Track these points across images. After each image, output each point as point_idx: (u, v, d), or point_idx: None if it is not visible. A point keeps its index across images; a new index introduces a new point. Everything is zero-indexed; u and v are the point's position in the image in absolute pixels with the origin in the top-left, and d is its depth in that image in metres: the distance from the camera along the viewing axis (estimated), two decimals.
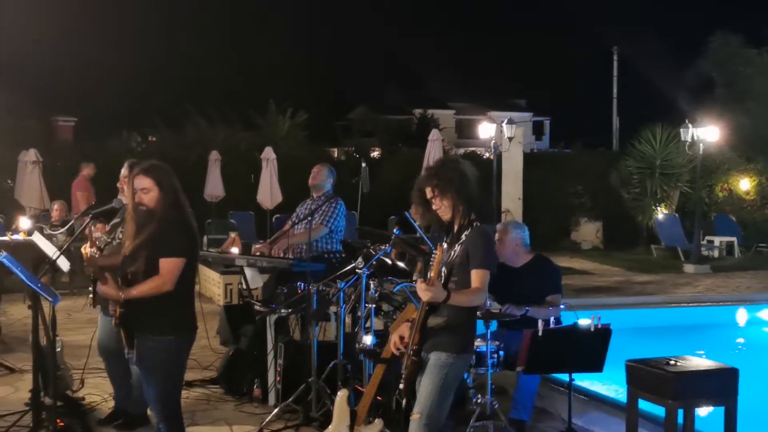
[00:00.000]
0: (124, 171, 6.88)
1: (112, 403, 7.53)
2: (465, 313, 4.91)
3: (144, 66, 56.29)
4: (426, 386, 4.92)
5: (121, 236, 6.50)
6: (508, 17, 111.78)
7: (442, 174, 5.05)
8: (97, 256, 5.93)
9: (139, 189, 5.37)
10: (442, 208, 5.03)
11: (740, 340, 12.78)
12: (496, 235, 7.27)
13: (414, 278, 7.19)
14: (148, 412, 6.82)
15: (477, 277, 4.83)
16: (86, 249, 5.93)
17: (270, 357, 7.79)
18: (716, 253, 21.80)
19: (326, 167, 8.86)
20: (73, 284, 14.21)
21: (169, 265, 5.27)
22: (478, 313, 5.44)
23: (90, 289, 6.13)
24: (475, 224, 4.95)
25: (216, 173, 21.15)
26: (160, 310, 5.31)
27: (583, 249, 23.88)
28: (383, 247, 6.99)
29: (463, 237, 4.94)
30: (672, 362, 5.59)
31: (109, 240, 6.61)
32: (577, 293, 14.37)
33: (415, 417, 4.92)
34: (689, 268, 18.91)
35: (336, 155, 35.74)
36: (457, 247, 4.95)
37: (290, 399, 7.25)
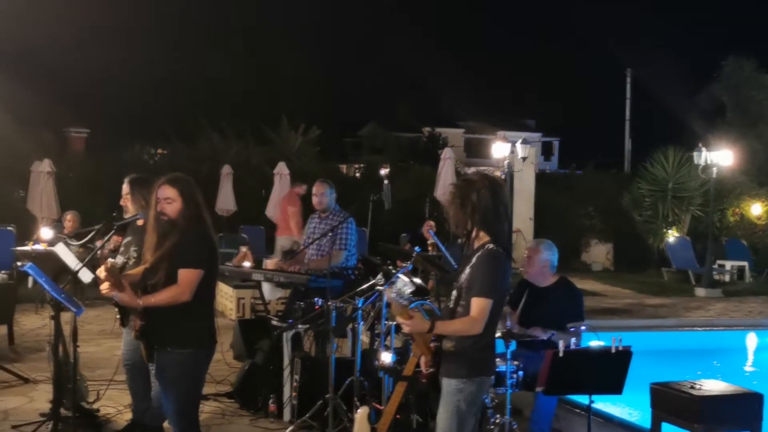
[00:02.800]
0: (125, 188, 6.87)
1: (126, 415, 7.53)
2: (473, 337, 4.73)
3: (157, 79, 56.36)
4: (441, 414, 4.88)
5: (135, 254, 6.51)
6: (518, 38, 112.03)
7: (459, 189, 4.94)
8: (118, 264, 5.91)
9: (163, 199, 5.39)
10: (458, 229, 4.95)
11: (751, 365, 12.72)
12: (526, 252, 7.24)
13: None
14: (165, 425, 6.80)
15: (475, 305, 4.67)
16: (107, 262, 5.92)
17: (286, 372, 7.77)
18: (727, 278, 21.72)
19: (326, 186, 8.81)
20: (84, 295, 14.22)
21: (187, 276, 5.28)
22: (498, 332, 5.37)
23: (116, 309, 6.11)
24: (488, 247, 4.78)
25: (228, 187, 21.19)
26: (180, 323, 5.31)
27: (593, 270, 23.85)
28: (404, 265, 6.96)
29: (474, 259, 4.81)
30: (697, 386, 5.56)
31: (125, 259, 6.61)
32: (589, 315, 14.14)
33: None
34: (701, 291, 18.85)
35: (345, 171, 35.77)
36: (468, 270, 4.83)
37: (307, 415, 7.22)
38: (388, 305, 6.84)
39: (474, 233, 4.86)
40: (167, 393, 5.47)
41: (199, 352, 5.45)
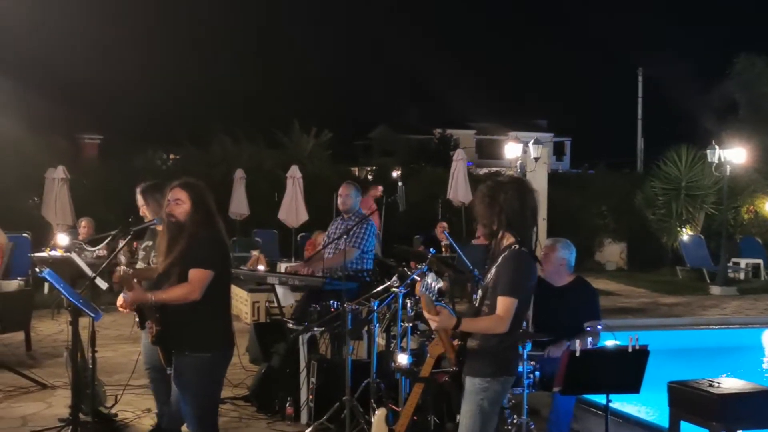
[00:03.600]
0: (139, 198, 6.88)
1: (145, 420, 7.57)
2: (498, 336, 4.75)
3: (169, 84, 56.50)
4: (464, 413, 4.88)
5: (154, 261, 6.54)
6: (529, 37, 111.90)
7: (488, 189, 4.95)
8: (130, 272, 5.94)
9: (172, 200, 5.43)
10: (483, 229, 4.97)
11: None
12: (543, 250, 7.24)
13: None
14: (184, 429, 6.82)
15: (500, 304, 4.68)
16: (118, 270, 5.94)
17: (302, 375, 7.79)
18: (742, 275, 21.66)
19: (352, 188, 8.86)
20: (99, 300, 14.27)
21: (197, 275, 5.31)
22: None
23: (135, 312, 6.13)
24: (513, 247, 4.78)
25: (241, 191, 21.21)
26: (197, 327, 5.34)
27: (607, 270, 23.80)
28: (419, 266, 6.97)
29: (500, 260, 4.82)
30: (715, 384, 5.54)
31: (146, 265, 6.62)
32: (604, 315, 14.14)
33: None
34: (716, 290, 18.79)
35: (357, 174, 35.79)
36: (494, 270, 4.85)
37: (324, 417, 7.24)
38: (405, 306, 6.87)
39: (501, 234, 4.87)
40: (185, 397, 5.49)
41: (216, 356, 5.48)
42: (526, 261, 4.78)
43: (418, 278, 6.38)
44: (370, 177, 31.37)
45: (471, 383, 4.85)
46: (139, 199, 6.86)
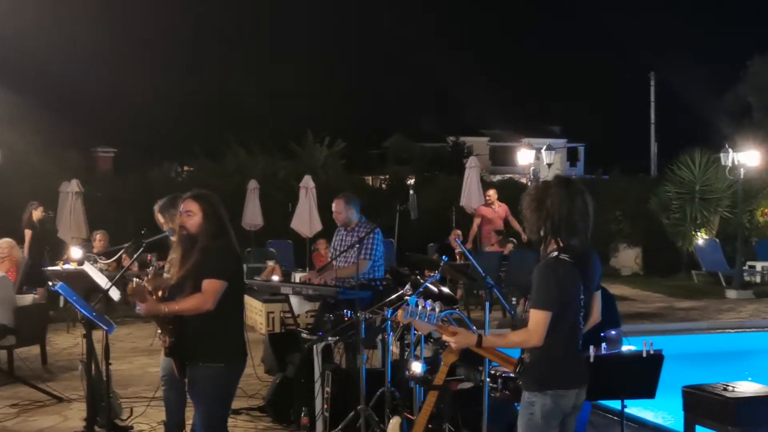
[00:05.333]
0: (158, 217, 6.87)
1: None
2: (544, 347, 4.61)
3: (183, 97, 56.75)
4: (518, 426, 4.84)
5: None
6: (542, 42, 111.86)
7: (535, 193, 4.85)
8: (143, 284, 5.94)
9: (184, 212, 5.46)
10: (528, 229, 4.89)
11: None
12: None
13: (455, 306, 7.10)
14: None
15: (531, 317, 4.58)
16: (132, 283, 5.94)
17: (317, 385, 7.79)
18: (758, 279, 21.55)
19: (342, 201, 8.73)
20: (115, 313, 14.33)
21: (210, 286, 5.33)
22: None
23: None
24: (549, 256, 4.68)
25: (255, 202, 21.23)
26: (211, 338, 5.36)
27: (622, 275, 23.70)
28: (432, 274, 6.96)
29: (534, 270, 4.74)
30: (730, 388, 5.52)
31: (170, 277, 6.62)
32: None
33: None
34: (731, 293, 18.70)
35: (371, 183, 35.83)
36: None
37: (339, 427, 7.23)
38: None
39: (547, 240, 4.77)
40: (197, 407, 5.52)
41: (230, 366, 5.50)
42: (557, 271, 4.61)
43: (408, 298, 6.37)
44: (384, 186, 31.39)
45: (523, 396, 4.80)
46: (159, 218, 6.85)
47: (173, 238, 6.01)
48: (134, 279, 5.58)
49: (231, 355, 5.50)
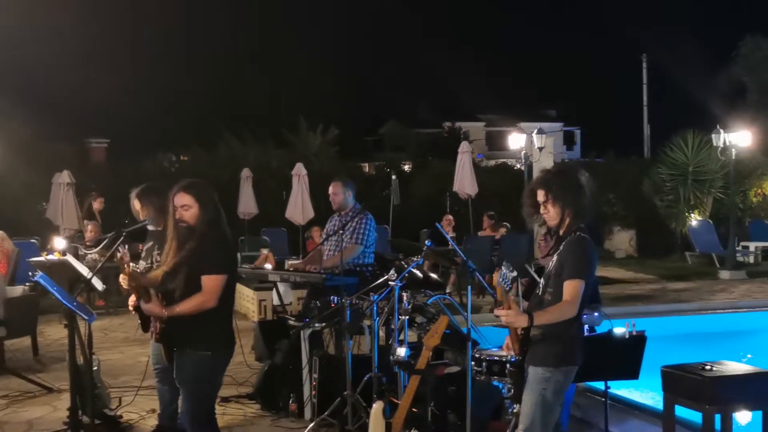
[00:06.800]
0: (135, 203, 6.88)
1: (150, 421, 7.60)
2: (563, 323, 4.76)
3: (175, 86, 56.68)
4: (526, 402, 4.91)
5: (158, 259, 6.56)
6: (536, 29, 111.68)
7: (558, 181, 4.97)
8: (139, 271, 5.96)
9: (179, 206, 5.44)
10: (550, 214, 4.97)
11: None
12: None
13: (447, 290, 7.15)
14: None
15: (567, 289, 4.71)
16: (128, 268, 5.96)
17: (305, 371, 7.81)
18: (752, 259, 21.61)
19: (339, 184, 8.67)
20: (109, 304, 14.36)
21: (212, 282, 5.33)
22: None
23: (137, 314, 6.15)
24: (575, 234, 4.85)
25: (248, 191, 21.25)
26: (198, 326, 5.36)
27: (616, 258, 23.76)
28: (415, 259, 6.99)
29: (562, 246, 4.88)
30: (708, 367, 5.54)
31: (147, 264, 6.64)
32: (613, 302, 14.29)
33: None
34: (725, 274, 18.76)
35: (367, 170, 35.86)
36: (555, 257, 4.91)
37: (326, 413, 7.26)
38: (401, 300, 6.87)
39: (563, 221, 4.93)
40: (183, 393, 5.56)
41: (216, 354, 5.50)
42: (588, 246, 4.83)
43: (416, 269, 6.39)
44: (374, 172, 31.43)
45: (534, 372, 4.88)
46: (135, 204, 6.86)
47: (150, 228, 6.01)
48: (130, 264, 5.61)
49: (218, 342, 5.51)
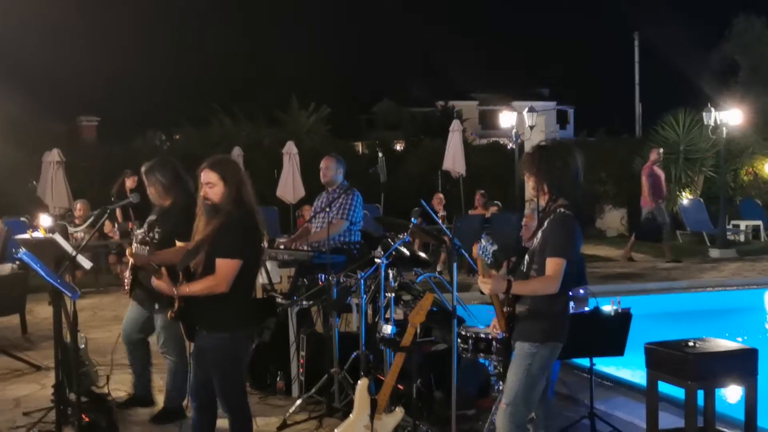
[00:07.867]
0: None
1: None
2: (548, 299, 4.81)
3: (166, 65, 56.47)
4: (510, 377, 4.95)
5: (158, 234, 6.57)
6: (531, 6, 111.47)
7: (539, 156, 5.01)
8: (144, 251, 5.90)
9: (205, 183, 5.37)
10: (531, 190, 5.04)
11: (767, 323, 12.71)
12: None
13: (438, 270, 7.14)
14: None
15: (549, 265, 4.74)
16: (130, 248, 5.92)
17: (292, 349, 7.82)
18: (742, 237, 21.67)
19: (333, 160, 8.73)
20: (98, 282, 14.34)
21: (225, 267, 5.21)
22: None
23: (127, 280, 6.12)
24: (559, 211, 4.86)
25: None
26: (217, 307, 5.27)
27: (608, 236, 23.77)
28: (401, 237, 6.99)
29: (546, 223, 4.90)
30: (691, 344, 5.57)
31: (149, 239, 6.61)
32: (603, 280, 14.35)
33: (502, 407, 4.97)
34: (715, 252, 18.79)
35: (360, 149, 35.85)
36: (539, 234, 4.92)
37: (312, 390, 7.28)
38: (387, 277, 6.89)
39: (548, 198, 4.96)
40: (212, 376, 5.42)
41: (237, 335, 5.39)
42: (572, 224, 4.85)
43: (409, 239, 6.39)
44: (366, 151, 31.39)
45: (520, 347, 4.92)
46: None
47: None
48: (134, 244, 5.57)
49: (237, 324, 5.38)
